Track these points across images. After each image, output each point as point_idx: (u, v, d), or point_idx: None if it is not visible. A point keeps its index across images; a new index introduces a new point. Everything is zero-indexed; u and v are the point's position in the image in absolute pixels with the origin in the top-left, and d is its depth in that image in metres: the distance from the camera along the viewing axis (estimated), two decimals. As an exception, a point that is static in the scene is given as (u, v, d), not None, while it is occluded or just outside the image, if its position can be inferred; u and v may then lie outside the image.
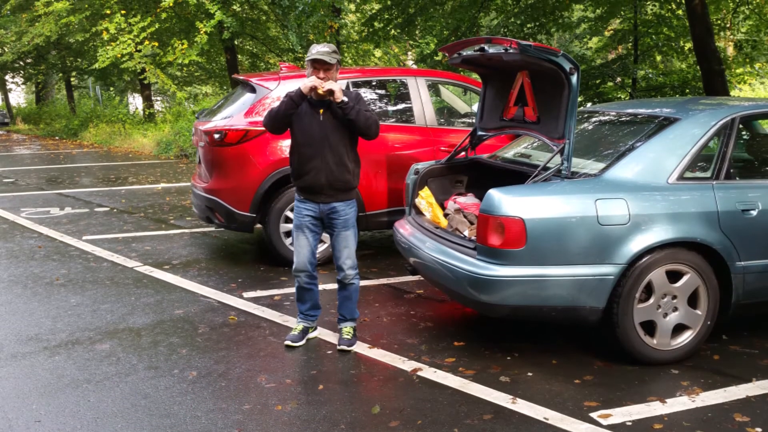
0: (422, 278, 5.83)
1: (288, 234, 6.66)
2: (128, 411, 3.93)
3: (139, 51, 17.81)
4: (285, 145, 6.39)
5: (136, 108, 33.38)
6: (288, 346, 4.84)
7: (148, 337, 5.06)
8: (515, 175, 5.05)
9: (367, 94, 7.34)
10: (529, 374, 4.37)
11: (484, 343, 4.89)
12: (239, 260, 7.27)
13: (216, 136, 6.62)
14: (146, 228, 8.88)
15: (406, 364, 4.54)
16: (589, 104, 15.13)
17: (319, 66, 4.58)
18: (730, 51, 16.79)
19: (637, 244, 4.23)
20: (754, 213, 4.50)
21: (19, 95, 49.39)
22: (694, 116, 4.75)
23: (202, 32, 16.03)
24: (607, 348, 4.60)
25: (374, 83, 7.52)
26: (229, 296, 5.99)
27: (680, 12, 14.36)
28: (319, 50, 4.58)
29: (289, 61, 19.46)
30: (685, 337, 4.47)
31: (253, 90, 6.92)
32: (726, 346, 4.82)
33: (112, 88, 34.84)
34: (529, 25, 15.31)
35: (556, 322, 4.52)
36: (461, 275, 4.43)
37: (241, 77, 7.37)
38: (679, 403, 3.96)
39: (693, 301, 4.45)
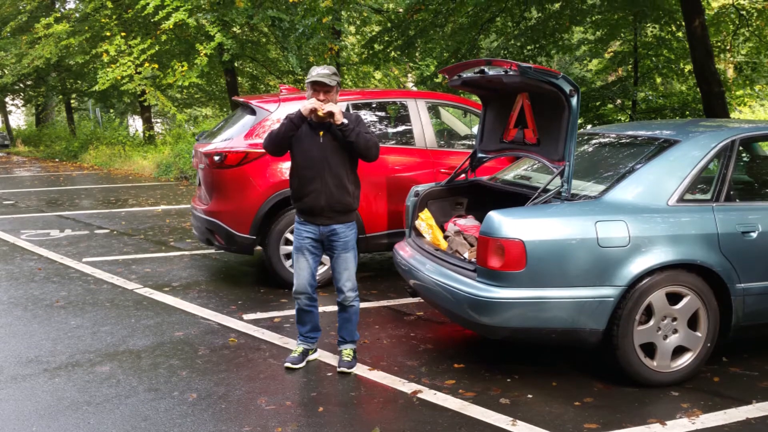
0: (422, 300, 5.82)
1: (288, 256, 6.66)
2: (127, 434, 3.92)
3: (139, 73, 17.93)
4: (285, 167, 6.41)
5: (136, 130, 33.52)
6: (288, 368, 4.82)
7: (148, 359, 5.04)
8: (515, 197, 5.06)
9: (367, 116, 7.36)
10: (529, 396, 4.36)
11: (484, 365, 4.87)
12: (239, 282, 7.26)
13: (216, 158, 6.64)
14: (146, 250, 8.88)
15: (406, 386, 4.52)
16: (589, 126, 15.19)
17: (319, 88, 4.59)
18: (730, 73, 16.84)
19: (637, 266, 4.23)
20: (754, 235, 4.50)
21: (19, 117, 49.59)
22: (694, 138, 4.77)
23: (202, 54, 16.13)
24: (607, 370, 4.59)
25: (374, 105, 7.55)
26: (229, 318, 5.98)
27: (680, 34, 14.44)
28: (319, 72, 4.59)
29: (289, 83, 19.55)
30: (685, 359, 4.47)
31: (253, 112, 6.94)
32: (726, 368, 4.81)
33: (112, 110, 34.95)
34: (529, 47, 15.38)
35: (556, 344, 4.52)
36: (461, 297, 4.42)
37: (241, 99, 7.39)
38: (680, 426, 3.95)
39: (693, 323, 4.44)
